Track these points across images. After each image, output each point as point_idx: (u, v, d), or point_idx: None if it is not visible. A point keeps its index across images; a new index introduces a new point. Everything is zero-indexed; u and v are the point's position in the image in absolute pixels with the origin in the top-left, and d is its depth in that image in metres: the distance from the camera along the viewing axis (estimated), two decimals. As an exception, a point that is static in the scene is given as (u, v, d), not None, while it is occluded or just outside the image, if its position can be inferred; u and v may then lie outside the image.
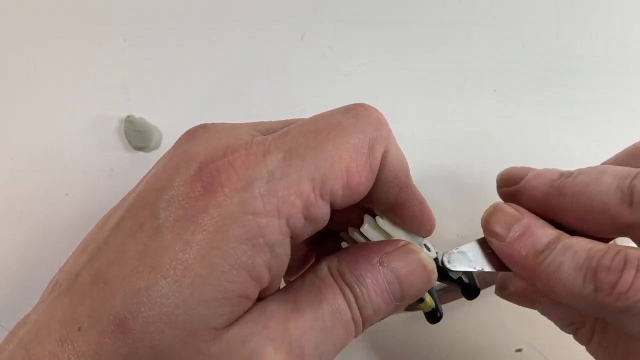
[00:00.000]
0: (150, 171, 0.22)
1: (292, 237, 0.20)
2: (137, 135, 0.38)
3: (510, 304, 0.31)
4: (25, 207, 0.38)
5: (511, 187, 0.25)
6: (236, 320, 0.19)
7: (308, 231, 0.20)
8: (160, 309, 0.18)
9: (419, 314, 0.36)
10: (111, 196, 0.38)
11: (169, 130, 0.39)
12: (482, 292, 0.36)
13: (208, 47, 0.40)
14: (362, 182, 0.20)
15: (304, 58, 0.40)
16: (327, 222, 0.21)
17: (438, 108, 0.39)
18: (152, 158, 0.39)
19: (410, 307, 0.35)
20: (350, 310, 0.21)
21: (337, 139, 0.20)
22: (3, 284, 0.36)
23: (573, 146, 0.38)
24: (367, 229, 0.23)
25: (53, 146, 0.39)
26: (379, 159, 0.21)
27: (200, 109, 0.40)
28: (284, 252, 0.20)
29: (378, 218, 0.24)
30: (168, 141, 0.39)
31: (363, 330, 0.22)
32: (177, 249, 0.18)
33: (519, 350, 0.36)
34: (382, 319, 0.23)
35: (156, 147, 0.38)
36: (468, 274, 0.26)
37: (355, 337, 0.22)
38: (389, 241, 0.23)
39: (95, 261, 0.19)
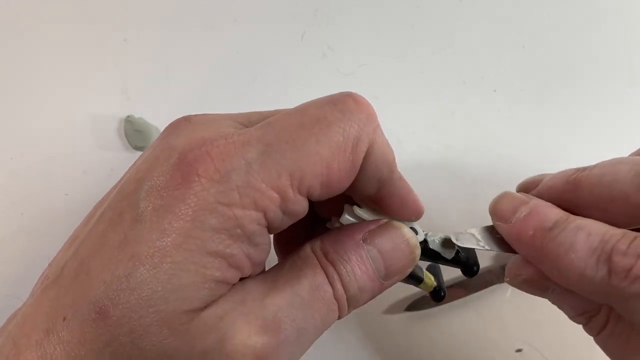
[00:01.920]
0: (134, 163, 0.22)
1: (270, 228, 0.20)
2: (136, 135, 0.38)
3: (510, 304, 0.31)
4: (25, 207, 0.38)
5: (529, 193, 0.25)
6: (214, 301, 0.19)
7: (286, 222, 0.20)
8: (139, 294, 0.18)
9: (419, 314, 0.36)
10: (111, 196, 0.38)
11: (169, 130, 0.39)
12: (482, 292, 0.36)
13: (208, 47, 0.40)
14: (342, 179, 0.20)
15: (304, 58, 0.40)
16: (305, 214, 0.21)
17: (438, 108, 0.39)
18: (152, 158, 0.39)
19: (419, 303, 0.35)
20: (333, 289, 0.21)
21: (320, 135, 0.20)
22: (3, 284, 0.36)
23: (573, 146, 0.38)
24: (347, 219, 0.23)
25: (53, 146, 0.39)
26: (362, 156, 0.20)
27: (200, 109, 0.39)
28: (264, 241, 0.20)
29: (356, 207, 0.24)
30: (168, 141, 0.39)
31: (349, 312, 0.22)
32: (154, 237, 0.18)
33: (519, 350, 0.36)
34: (369, 300, 0.23)
35: (156, 147, 0.38)
36: (465, 250, 0.26)
37: (339, 317, 0.22)
38: (371, 220, 0.23)
39: (79, 253, 0.20)
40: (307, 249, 0.22)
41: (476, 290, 0.35)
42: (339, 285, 0.21)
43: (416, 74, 0.40)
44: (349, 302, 0.22)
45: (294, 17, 0.41)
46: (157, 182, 0.19)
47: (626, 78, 0.39)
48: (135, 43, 0.40)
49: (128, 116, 0.38)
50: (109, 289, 0.18)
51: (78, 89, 0.40)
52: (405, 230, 0.23)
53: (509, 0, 0.41)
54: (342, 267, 0.21)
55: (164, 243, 0.18)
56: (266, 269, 0.22)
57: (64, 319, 0.18)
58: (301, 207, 0.20)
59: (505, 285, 0.36)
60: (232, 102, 0.40)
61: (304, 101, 0.22)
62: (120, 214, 0.19)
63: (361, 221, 0.24)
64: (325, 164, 0.19)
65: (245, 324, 0.19)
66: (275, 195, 0.19)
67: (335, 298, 0.21)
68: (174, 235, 0.18)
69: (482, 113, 0.39)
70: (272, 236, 0.22)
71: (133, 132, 0.38)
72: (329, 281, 0.21)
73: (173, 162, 0.19)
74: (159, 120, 0.39)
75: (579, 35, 0.40)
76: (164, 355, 0.18)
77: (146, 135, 0.38)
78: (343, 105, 0.21)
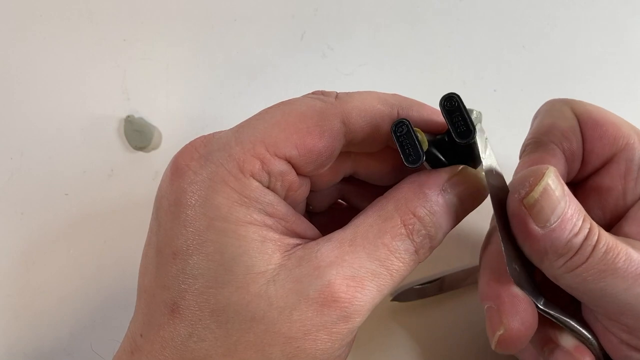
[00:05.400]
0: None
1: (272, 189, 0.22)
2: (136, 135, 0.38)
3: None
4: (25, 207, 0.38)
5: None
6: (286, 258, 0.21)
7: (288, 185, 0.22)
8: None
9: (421, 313, 0.36)
10: (111, 196, 0.38)
11: (169, 130, 0.39)
12: (475, 285, 0.35)
13: (208, 47, 0.40)
14: (315, 142, 0.22)
15: (304, 58, 0.40)
16: (295, 174, 0.22)
17: (439, 108, 0.39)
18: (152, 158, 0.39)
19: (407, 294, 0.34)
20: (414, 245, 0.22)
21: (285, 108, 0.22)
22: (3, 284, 0.36)
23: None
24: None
25: (53, 146, 0.39)
26: (334, 125, 0.22)
27: (200, 109, 0.40)
28: (272, 200, 0.22)
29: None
30: (168, 141, 0.39)
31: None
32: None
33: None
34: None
35: (156, 147, 0.39)
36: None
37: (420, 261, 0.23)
38: (446, 168, 0.24)
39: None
40: (390, 207, 0.22)
41: (472, 283, 0.35)
42: (418, 238, 0.22)
43: (416, 73, 0.40)
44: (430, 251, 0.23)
45: (294, 17, 0.41)
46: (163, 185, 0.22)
47: (625, 78, 0.39)
48: (135, 43, 0.40)
49: (128, 116, 0.38)
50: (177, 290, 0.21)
51: (78, 88, 0.40)
52: (480, 176, 0.24)
53: (509, 0, 0.41)
54: (427, 224, 0.22)
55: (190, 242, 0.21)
56: None
57: (141, 335, 0.21)
58: (283, 168, 0.21)
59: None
60: (232, 102, 0.40)
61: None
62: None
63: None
64: (293, 129, 0.21)
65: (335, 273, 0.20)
66: (256, 160, 0.21)
67: (416, 252, 0.22)
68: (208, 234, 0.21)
69: (482, 113, 0.39)
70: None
71: (133, 132, 0.38)
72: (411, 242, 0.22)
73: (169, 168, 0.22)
74: (159, 120, 0.39)
75: (578, 35, 0.40)
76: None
77: (146, 135, 0.38)
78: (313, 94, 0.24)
